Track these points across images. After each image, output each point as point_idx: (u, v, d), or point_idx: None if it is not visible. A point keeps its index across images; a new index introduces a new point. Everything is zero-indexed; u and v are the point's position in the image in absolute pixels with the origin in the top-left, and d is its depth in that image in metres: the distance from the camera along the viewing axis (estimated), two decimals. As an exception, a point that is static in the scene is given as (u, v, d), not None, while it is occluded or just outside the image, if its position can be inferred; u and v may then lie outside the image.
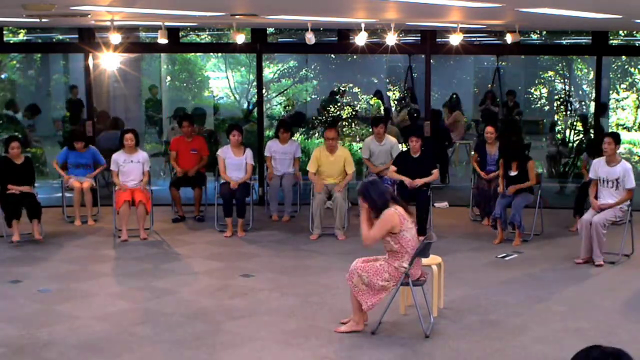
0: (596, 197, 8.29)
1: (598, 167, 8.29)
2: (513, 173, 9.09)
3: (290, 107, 15.88)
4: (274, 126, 12.67)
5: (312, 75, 17.87)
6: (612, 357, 2.25)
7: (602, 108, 14.02)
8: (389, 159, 10.01)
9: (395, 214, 5.84)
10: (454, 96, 15.79)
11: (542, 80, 18.17)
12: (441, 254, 6.96)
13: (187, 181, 10.34)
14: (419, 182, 9.26)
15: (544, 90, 18.03)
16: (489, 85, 16.28)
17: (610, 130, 13.72)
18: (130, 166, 9.40)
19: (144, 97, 15.21)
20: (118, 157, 9.49)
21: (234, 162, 9.67)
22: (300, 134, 14.01)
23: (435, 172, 9.47)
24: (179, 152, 10.45)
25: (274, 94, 16.88)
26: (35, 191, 9.27)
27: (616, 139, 8.34)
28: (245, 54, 15.52)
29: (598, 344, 2.29)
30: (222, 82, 17.19)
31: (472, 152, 10.60)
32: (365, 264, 6.01)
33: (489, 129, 9.96)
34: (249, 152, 9.77)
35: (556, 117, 15.55)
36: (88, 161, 10.28)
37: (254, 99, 12.50)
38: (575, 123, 14.07)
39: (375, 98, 16.12)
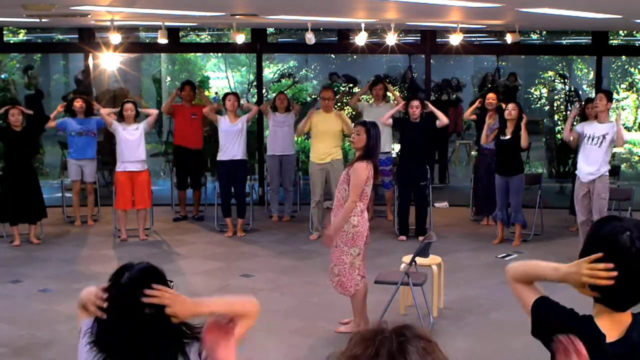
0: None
1: (585, 126, 8.28)
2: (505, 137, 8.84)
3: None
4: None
5: (312, 75, 17.85)
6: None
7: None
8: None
9: (367, 169, 5.88)
10: (454, 96, 15.77)
11: (542, 80, 18.14)
12: (441, 254, 6.97)
13: (187, 154, 10.26)
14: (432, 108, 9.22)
15: (544, 90, 18.00)
16: (488, 85, 16.25)
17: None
18: (131, 134, 9.17)
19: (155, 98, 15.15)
20: (118, 125, 9.23)
21: (228, 128, 9.43)
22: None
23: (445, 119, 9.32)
24: (178, 119, 10.37)
25: (274, 94, 16.83)
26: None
27: (608, 96, 8.18)
28: (245, 54, 15.51)
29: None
30: (222, 82, 17.16)
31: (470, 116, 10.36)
32: (331, 263, 6.07)
33: (491, 95, 9.68)
34: (243, 117, 9.62)
35: (556, 117, 15.53)
36: (92, 127, 9.88)
37: (254, 99, 12.49)
38: (575, 123, 14.00)
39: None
